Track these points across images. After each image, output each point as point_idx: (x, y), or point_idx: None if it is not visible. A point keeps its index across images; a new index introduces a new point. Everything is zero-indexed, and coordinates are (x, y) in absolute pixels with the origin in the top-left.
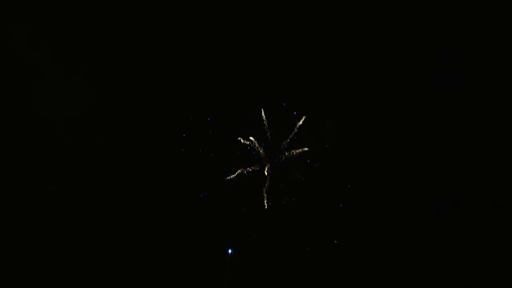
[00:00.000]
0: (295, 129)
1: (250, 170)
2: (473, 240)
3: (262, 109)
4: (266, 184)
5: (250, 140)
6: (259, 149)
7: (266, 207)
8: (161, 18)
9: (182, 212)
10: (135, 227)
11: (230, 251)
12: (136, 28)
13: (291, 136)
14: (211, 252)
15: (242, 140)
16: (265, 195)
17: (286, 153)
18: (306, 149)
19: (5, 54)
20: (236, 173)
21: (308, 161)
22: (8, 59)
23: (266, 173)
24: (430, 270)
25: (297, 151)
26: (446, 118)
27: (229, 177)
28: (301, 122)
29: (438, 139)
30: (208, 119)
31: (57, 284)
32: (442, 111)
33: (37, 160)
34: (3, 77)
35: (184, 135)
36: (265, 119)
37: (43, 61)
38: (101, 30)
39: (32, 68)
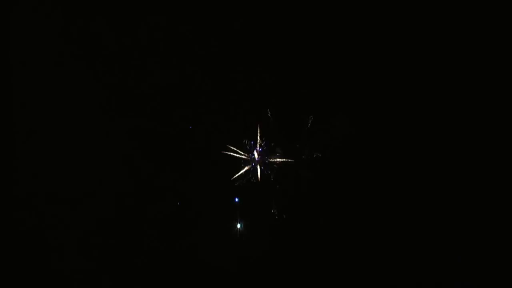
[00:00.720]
0: (304, 131)
1: (259, 175)
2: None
3: (269, 110)
4: (274, 190)
5: (257, 143)
6: (266, 152)
7: (275, 213)
8: (161, 19)
9: (183, 217)
10: (134, 231)
11: (237, 199)
12: (135, 30)
13: (300, 138)
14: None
15: (246, 143)
16: (273, 202)
17: (295, 157)
18: (319, 154)
19: (4, 54)
20: (245, 180)
21: (319, 165)
22: (7, 59)
23: (272, 177)
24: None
25: (308, 156)
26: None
27: (236, 183)
28: (309, 123)
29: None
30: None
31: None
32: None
33: (37, 159)
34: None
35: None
36: (271, 120)
37: (43, 61)
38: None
39: (32, 68)
